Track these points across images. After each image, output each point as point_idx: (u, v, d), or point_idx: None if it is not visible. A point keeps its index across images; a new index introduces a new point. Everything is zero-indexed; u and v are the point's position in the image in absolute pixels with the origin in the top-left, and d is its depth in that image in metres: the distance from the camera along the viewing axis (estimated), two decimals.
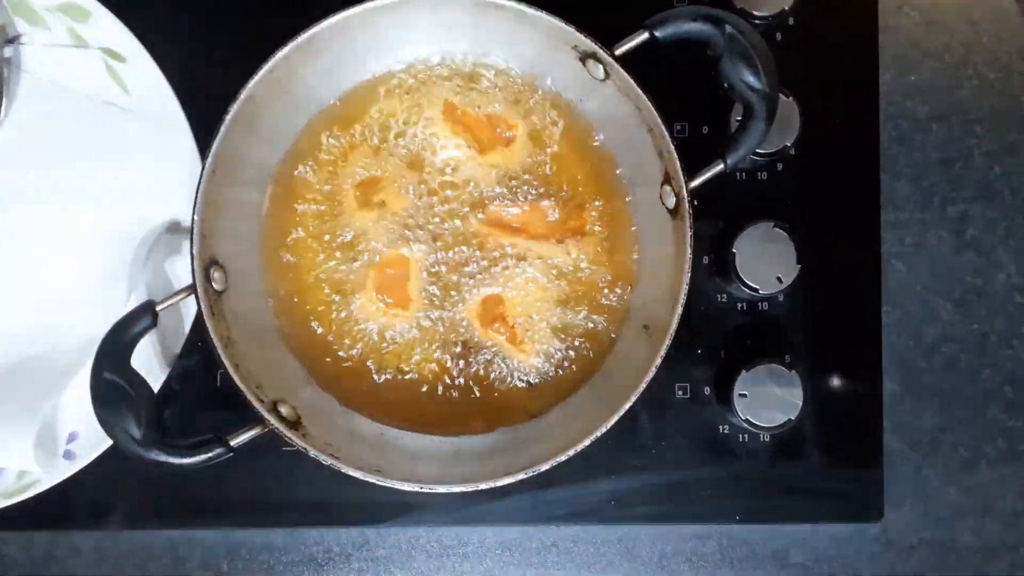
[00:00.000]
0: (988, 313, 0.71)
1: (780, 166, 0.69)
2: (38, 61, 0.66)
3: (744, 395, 0.65)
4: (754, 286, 0.66)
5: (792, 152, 0.68)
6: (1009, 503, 0.71)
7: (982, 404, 0.71)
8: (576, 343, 0.64)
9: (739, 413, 0.65)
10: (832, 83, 0.70)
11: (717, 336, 0.69)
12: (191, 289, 0.57)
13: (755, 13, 0.67)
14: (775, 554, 0.71)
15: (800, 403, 0.65)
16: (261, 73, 0.58)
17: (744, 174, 0.69)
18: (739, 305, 0.69)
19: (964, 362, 0.71)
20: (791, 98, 0.67)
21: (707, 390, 0.69)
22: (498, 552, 0.71)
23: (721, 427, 0.68)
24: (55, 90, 0.66)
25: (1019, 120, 0.72)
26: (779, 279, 0.66)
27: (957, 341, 0.71)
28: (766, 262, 0.66)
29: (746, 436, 0.68)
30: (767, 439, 0.68)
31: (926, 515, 0.71)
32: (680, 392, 0.69)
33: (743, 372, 0.66)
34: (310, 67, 0.61)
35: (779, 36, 0.69)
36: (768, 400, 0.65)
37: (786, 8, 0.67)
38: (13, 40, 0.66)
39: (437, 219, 0.64)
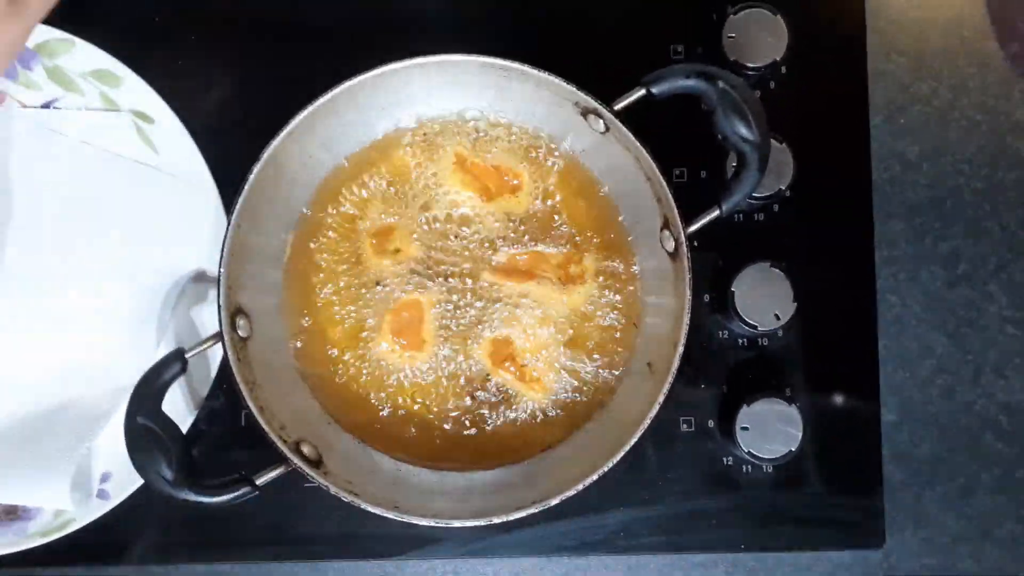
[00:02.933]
0: (981, 345, 0.72)
1: (776, 208, 0.70)
2: (71, 124, 0.67)
3: (746, 428, 0.66)
4: (753, 323, 0.67)
5: (787, 194, 0.68)
6: (1007, 529, 0.71)
7: (978, 433, 0.71)
8: (583, 381, 0.65)
9: (742, 445, 0.66)
10: (825, 128, 0.70)
11: (719, 371, 0.70)
12: (218, 337, 0.59)
13: (748, 64, 0.68)
14: None
15: (800, 435, 0.66)
16: (281, 136, 0.59)
17: (742, 216, 0.70)
18: (739, 341, 0.70)
19: (959, 393, 0.72)
20: (784, 143, 0.67)
21: (711, 423, 0.69)
22: None
23: (725, 459, 0.69)
24: (88, 150, 0.67)
25: (1006, 159, 0.72)
26: (777, 316, 0.66)
27: (952, 372, 0.72)
28: (764, 300, 0.66)
29: (749, 467, 0.69)
30: (769, 470, 0.69)
31: (926, 541, 0.71)
32: (685, 426, 0.69)
33: (745, 406, 0.66)
34: (328, 127, 0.63)
35: (772, 85, 0.70)
36: (770, 432, 0.66)
37: (778, 59, 0.68)
38: (48, 104, 0.67)
39: (448, 265, 0.66)
